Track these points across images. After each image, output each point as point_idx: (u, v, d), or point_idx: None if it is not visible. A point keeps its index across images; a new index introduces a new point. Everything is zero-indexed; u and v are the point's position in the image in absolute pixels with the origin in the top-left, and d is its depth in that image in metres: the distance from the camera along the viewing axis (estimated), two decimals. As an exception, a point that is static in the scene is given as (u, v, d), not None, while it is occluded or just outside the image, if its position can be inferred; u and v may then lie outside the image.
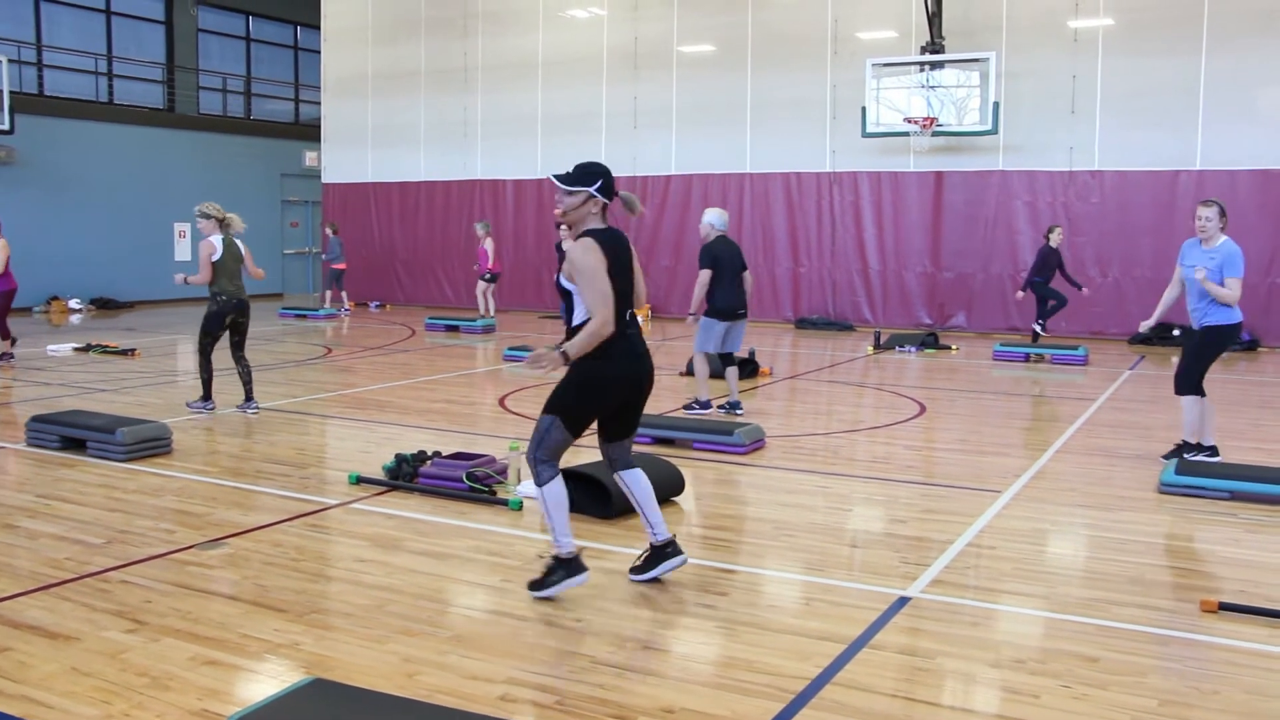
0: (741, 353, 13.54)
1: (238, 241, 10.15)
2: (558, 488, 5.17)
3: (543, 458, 5.18)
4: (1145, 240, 17.76)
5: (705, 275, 10.00)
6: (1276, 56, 16.93)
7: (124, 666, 4.35)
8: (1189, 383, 8.18)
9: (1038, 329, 16.24)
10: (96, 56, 24.67)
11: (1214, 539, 6.46)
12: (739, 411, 10.24)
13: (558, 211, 5.28)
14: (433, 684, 4.21)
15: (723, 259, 10.01)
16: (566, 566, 5.17)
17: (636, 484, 5.47)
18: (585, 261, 5.03)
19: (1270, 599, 5.30)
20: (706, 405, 10.26)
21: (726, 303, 10.06)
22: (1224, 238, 8.03)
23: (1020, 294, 16.73)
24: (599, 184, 5.18)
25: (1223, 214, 8.06)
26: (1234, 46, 17.10)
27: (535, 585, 5.20)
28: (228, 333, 10.14)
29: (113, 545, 6.00)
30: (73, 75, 24.30)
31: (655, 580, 5.42)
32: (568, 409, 5.15)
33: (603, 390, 5.18)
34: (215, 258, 9.90)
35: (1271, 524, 6.73)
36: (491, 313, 19.82)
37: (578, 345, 5.01)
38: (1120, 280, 18.01)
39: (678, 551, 5.44)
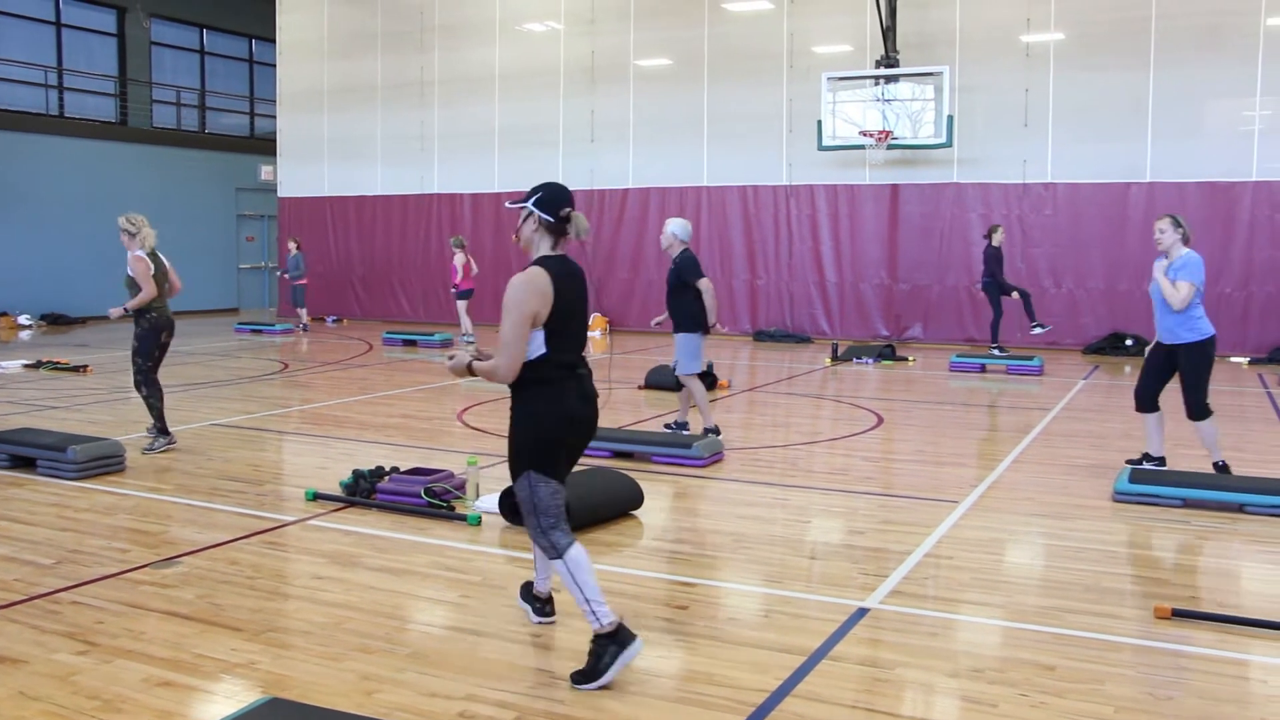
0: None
1: (160, 254, 9.29)
2: (577, 553, 4.48)
3: (548, 524, 4.53)
4: (1097, 251, 17.99)
5: (709, 283, 9.48)
6: (1221, 71, 17.23)
7: (75, 689, 4.28)
8: (1201, 406, 8.05)
9: (995, 351, 16.20)
10: (46, 69, 24.38)
11: (1168, 546, 6.54)
12: (686, 432, 9.77)
13: (514, 237, 4.74)
14: (391, 701, 4.18)
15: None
16: (615, 640, 4.38)
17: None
18: (513, 296, 4.41)
19: (1222, 604, 5.37)
20: (716, 431, 9.48)
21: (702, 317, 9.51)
22: (1185, 250, 8.03)
23: (979, 286, 16.75)
24: (535, 198, 4.59)
25: (1177, 225, 8.07)
26: (1181, 61, 17.39)
27: (586, 676, 4.35)
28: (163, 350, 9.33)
29: (63, 565, 5.91)
30: (22, 88, 23.99)
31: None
32: (535, 456, 4.52)
33: (559, 425, 4.53)
34: (151, 272, 9.06)
35: (1224, 531, 6.82)
36: (468, 329, 19.48)
37: (480, 368, 4.55)
38: (1074, 291, 18.22)
39: (539, 613, 5.09)
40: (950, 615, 5.26)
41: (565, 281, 4.52)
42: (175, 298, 9.41)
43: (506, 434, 4.65)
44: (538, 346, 4.46)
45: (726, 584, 5.81)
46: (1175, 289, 7.88)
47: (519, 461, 4.56)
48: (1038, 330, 16.04)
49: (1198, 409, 8.05)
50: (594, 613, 4.38)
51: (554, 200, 4.59)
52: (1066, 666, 4.57)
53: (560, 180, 21.92)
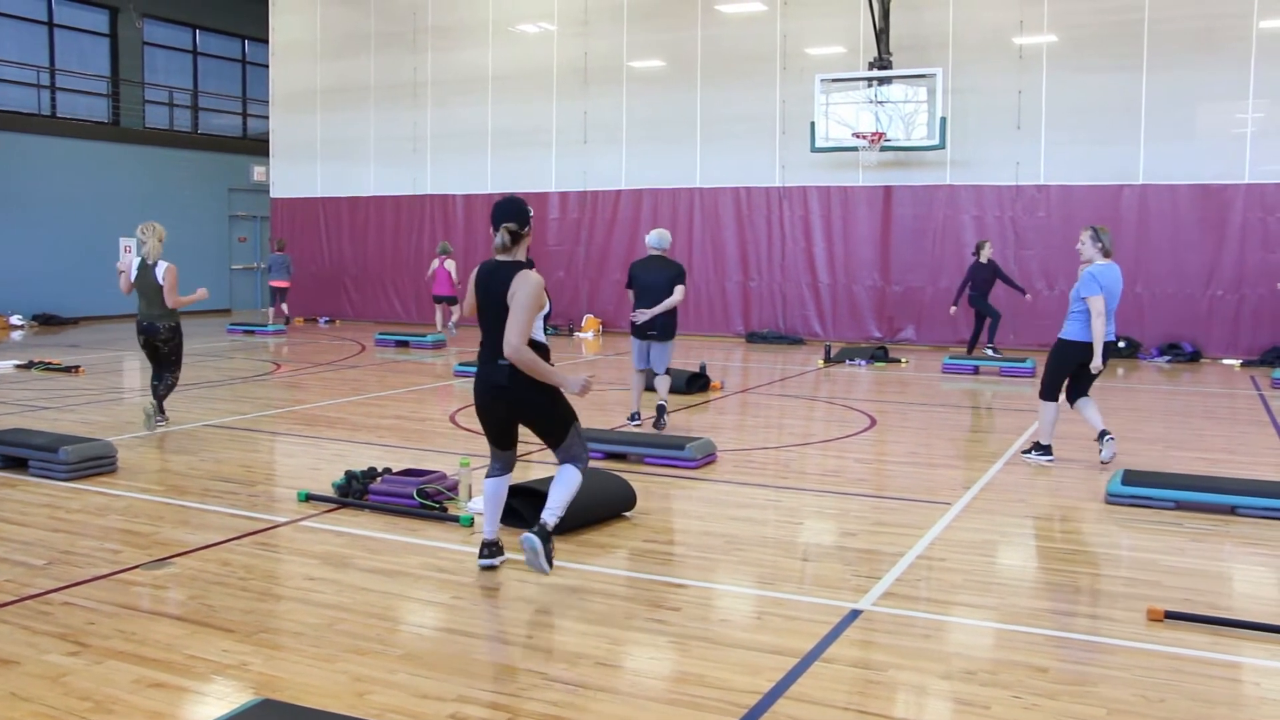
0: (692, 367, 13.62)
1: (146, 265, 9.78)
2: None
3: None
4: (1090, 254, 18.00)
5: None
6: (1214, 74, 17.28)
7: (66, 690, 4.26)
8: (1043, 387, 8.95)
9: (990, 352, 16.36)
10: (39, 69, 24.33)
11: (1160, 548, 6.54)
12: (637, 423, 10.41)
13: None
14: (383, 703, 4.17)
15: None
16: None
17: (557, 474, 5.76)
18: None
19: (1215, 607, 5.38)
20: (635, 418, 10.48)
21: None
22: (1100, 262, 8.67)
23: (954, 309, 16.93)
24: (531, 216, 5.74)
25: (1096, 238, 8.67)
26: (1173, 63, 17.44)
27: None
28: (153, 351, 9.93)
29: (55, 566, 5.90)
30: (14, 88, 23.93)
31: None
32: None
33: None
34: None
35: (1216, 533, 6.83)
36: (450, 324, 19.67)
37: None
38: (1066, 293, 18.17)
39: (536, 533, 5.45)
40: (943, 617, 5.26)
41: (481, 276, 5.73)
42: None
43: (530, 438, 5.78)
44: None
45: (719, 585, 5.81)
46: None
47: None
48: (989, 350, 16.34)
49: (1041, 389, 8.94)
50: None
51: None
52: (1059, 668, 4.57)
53: (553, 181, 22.16)
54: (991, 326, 16.36)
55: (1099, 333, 8.47)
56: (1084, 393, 8.88)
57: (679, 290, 10.09)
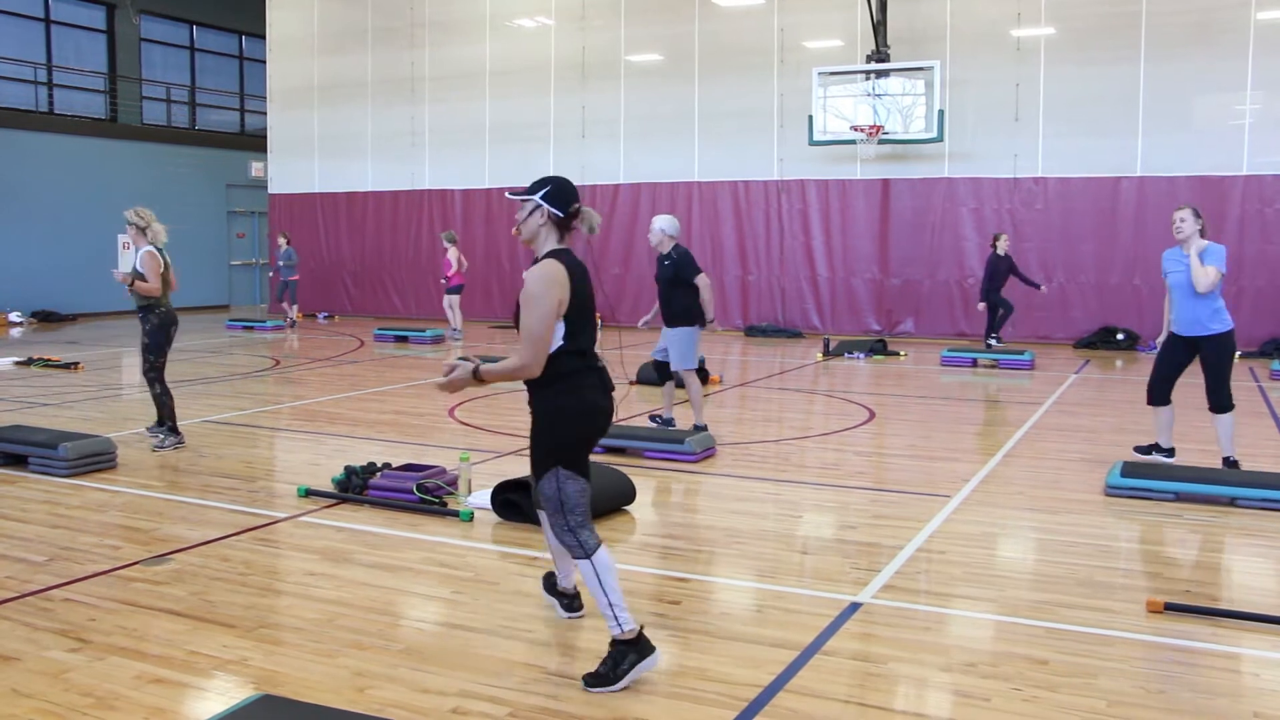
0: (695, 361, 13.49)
1: (164, 251, 9.40)
2: (604, 555, 4.41)
3: (576, 523, 4.42)
4: (1088, 246, 18.03)
5: (707, 279, 9.50)
6: (1212, 66, 17.27)
7: (67, 686, 4.27)
8: (1226, 398, 8.13)
9: (993, 343, 16.40)
10: (36, 66, 24.29)
11: (1160, 540, 6.55)
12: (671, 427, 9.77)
13: (515, 230, 4.65)
14: (384, 698, 4.17)
15: None
16: (636, 648, 4.33)
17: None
18: (536, 289, 4.32)
19: (1214, 598, 5.39)
20: (703, 428, 9.40)
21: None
22: (1205, 241, 8.00)
23: (981, 305, 16.93)
24: (544, 191, 4.49)
25: (1198, 216, 8.06)
26: (1171, 55, 17.43)
27: (601, 680, 4.27)
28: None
29: (55, 563, 5.90)
30: (11, 85, 23.89)
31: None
32: (563, 452, 4.44)
33: (583, 419, 4.48)
34: (161, 270, 9.22)
35: (1215, 525, 6.84)
36: (457, 324, 19.45)
37: (494, 371, 4.42)
38: (1065, 285, 18.25)
39: (567, 608, 5.08)
40: (943, 610, 5.26)
41: (579, 274, 4.46)
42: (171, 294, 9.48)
43: (528, 431, 4.61)
44: (557, 339, 4.39)
45: (719, 579, 5.81)
46: (1205, 272, 7.81)
47: (546, 459, 4.46)
48: (992, 341, 16.32)
49: (1224, 401, 8.10)
50: (616, 618, 4.32)
51: (565, 195, 4.52)
52: (1059, 661, 4.58)
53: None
54: (1001, 318, 16.44)
55: (1208, 283, 7.81)
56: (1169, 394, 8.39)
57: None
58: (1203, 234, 8.04)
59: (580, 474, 4.47)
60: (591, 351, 4.53)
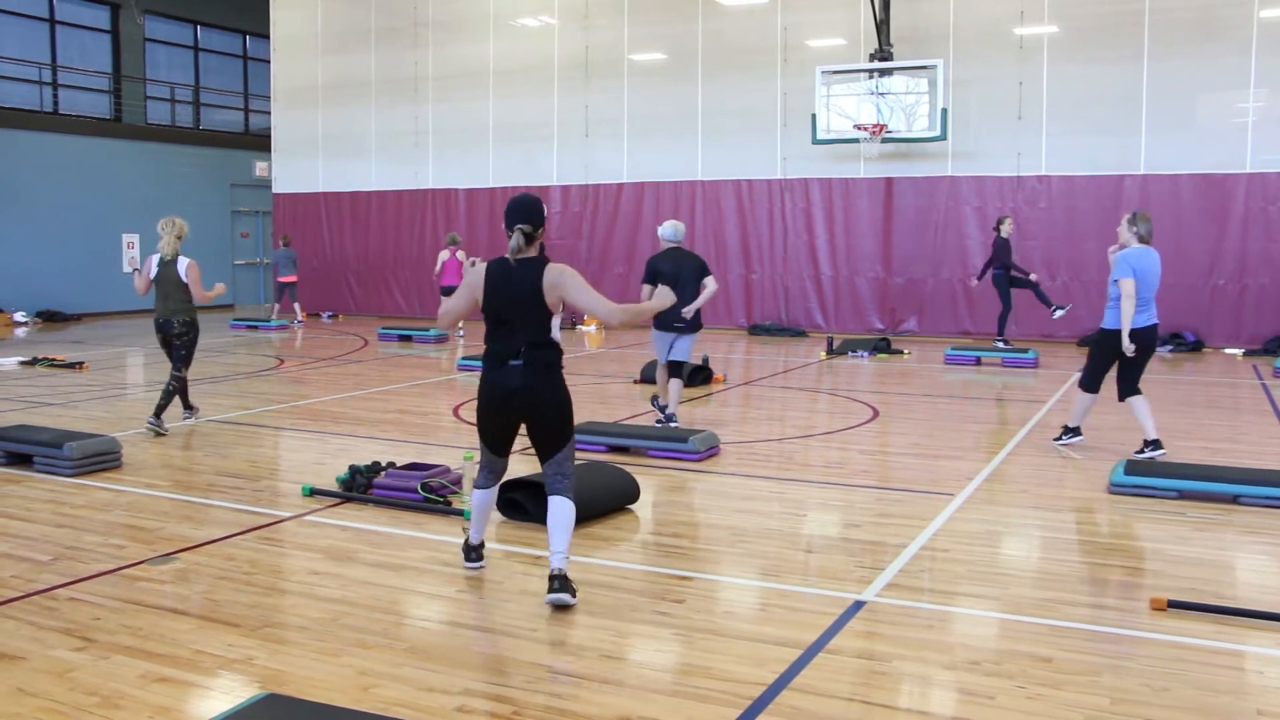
0: (695, 359, 13.53)
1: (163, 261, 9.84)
2: (478, 495, 5.75)
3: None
4: (1092, 244, 17.98)
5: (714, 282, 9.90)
6: (1215, 63, 17.26)
7: (72, 686, 4.28)
8: (1085, 378, 8.97)
9: (1000, 344, 16.37)
10: (40, 66, 24.31)
11: (1163, 538, 6.55)
12: (675, 423, 9.90)
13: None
14: (389, 697, 4.18)
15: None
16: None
17: (551, 510, 5.30)
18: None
19: (1217, 596, 5.38)
20: (674, 417, 9.96)
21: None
22: (1131, 246, 8.52)
23: (975, 282, 16.96)
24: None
25: (1131, 224, 8.55)
26: (1174, 53, 17.41)
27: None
28: (170, 347, 9.93)
29: (60, 562, 5.91)
30: (16, 85, 23.92)
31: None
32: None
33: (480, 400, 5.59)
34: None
35: (1218, 522, 6.84)
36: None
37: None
38: (1069, 283, 18.23)
39: (557, 589, 5.13)
40: (947, 608, 5.27)
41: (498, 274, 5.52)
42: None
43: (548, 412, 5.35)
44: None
45: (723, 578, 5.82)
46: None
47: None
48: (1059, 313, 15.97)
49: (1084, 379, 8.95)
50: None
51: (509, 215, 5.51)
52: (1063, 658, 4.58)
53: (554, 175, 22.15)
54: (1001, 316, 16.40)
55: (1127, 315, 8.31)
56: (1135, 387, 8.62)
57: (711, 282, 9.75)
58: (1144, 238, 8.52)
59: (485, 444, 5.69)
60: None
